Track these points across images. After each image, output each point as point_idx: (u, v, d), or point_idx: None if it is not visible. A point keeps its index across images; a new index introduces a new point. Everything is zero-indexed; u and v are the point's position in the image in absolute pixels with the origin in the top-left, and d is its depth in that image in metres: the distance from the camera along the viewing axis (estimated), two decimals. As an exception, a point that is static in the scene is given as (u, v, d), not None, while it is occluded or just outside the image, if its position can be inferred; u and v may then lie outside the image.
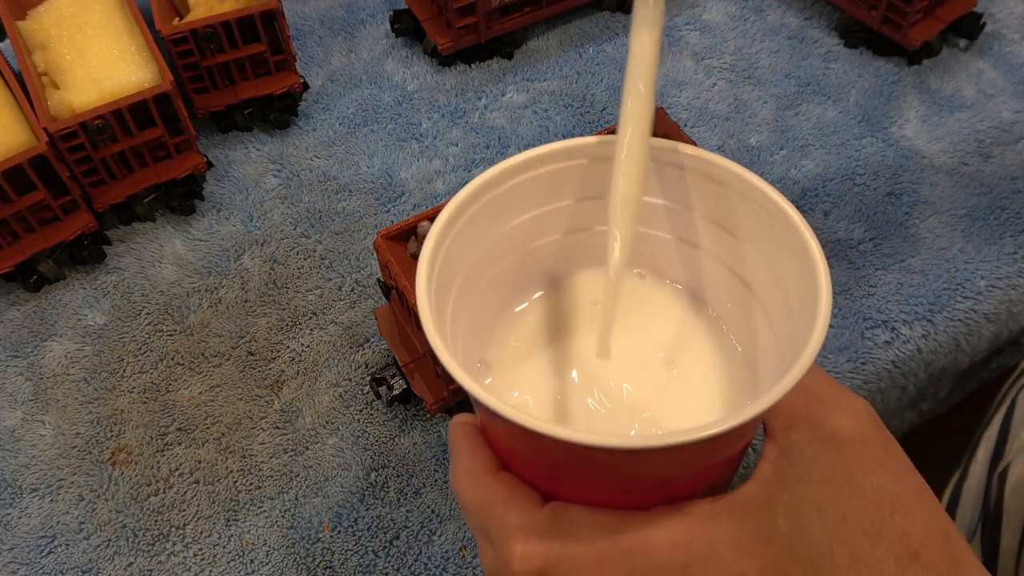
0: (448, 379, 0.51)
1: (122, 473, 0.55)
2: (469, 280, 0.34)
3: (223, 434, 0.56)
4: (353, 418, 0.56)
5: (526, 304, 0.37)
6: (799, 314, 0.30)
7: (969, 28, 0.73)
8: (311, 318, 0.61)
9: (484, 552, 0.31)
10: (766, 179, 0.32)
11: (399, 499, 0.53)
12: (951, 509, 0.56)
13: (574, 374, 0.35)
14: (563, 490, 0.30)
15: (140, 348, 0.60)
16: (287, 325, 0.61)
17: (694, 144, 0.56)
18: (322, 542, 0.52)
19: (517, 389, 0.35)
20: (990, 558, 0.50)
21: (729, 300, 0.35)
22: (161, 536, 0.52)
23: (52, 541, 0.52)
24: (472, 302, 0.34)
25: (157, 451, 0.55)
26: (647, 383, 0.34)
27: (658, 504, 0.29)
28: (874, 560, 0.27)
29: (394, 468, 0.54)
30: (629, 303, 0.37)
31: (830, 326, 0.59)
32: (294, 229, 0.65)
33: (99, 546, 0.52)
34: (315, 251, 0.64)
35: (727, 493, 0.29)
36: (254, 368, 0.59)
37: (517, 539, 0.28)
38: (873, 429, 0.30)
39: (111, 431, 0.56)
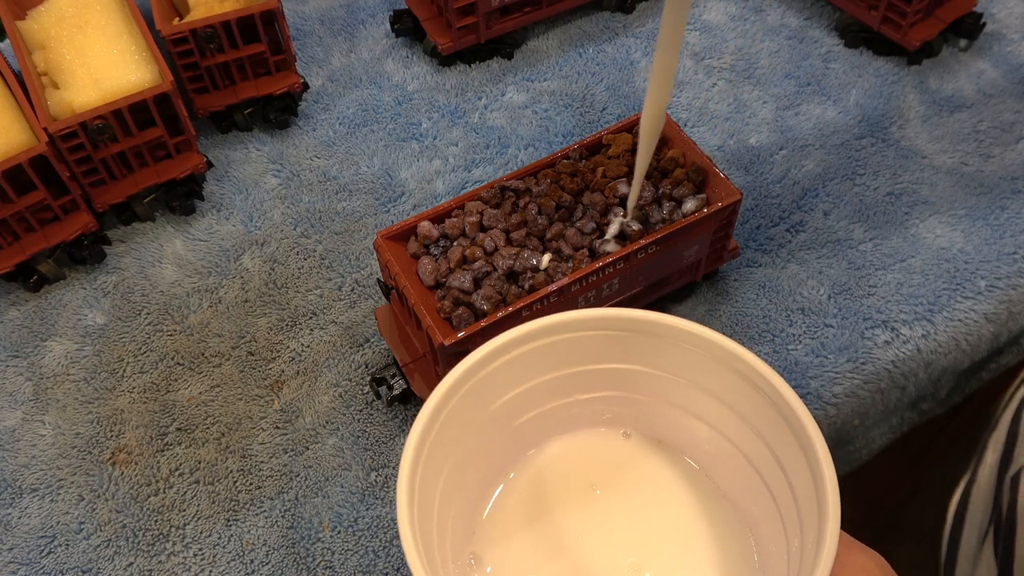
0: (450, 366, 0.51)
1: (122, 473, 0.55)
2: (456, 469, 0.34)
3: (223, 434, 0.56)
4: (353, 418, 0.56)
5: (511, 479, 0.37)
6: (805, 511, 0.30)
7: (969, 28, 0.73)
8: (311, 318, 0.61)
9: None
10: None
11: (399, 499, 0.53)
12: (960, 512, 0.56)
13: (570, 557, 0.35)
14: None
15: (140, 348, 0.60)
16: (287, 325, 0.61)
17: (695, 144, 0.56)
18: (322, 542, 0.52)
19: (508, 566, 0.34)
20: (1005, 564, 0.50)
21: (732, 473, 0.35)
22: (161, 536, 0.52)
23: (52, 541, 0.52)
24: (459, 492, 0.34)
25: (157, 451, 0.55)
26: (652, 561, 0.34)
27: None
28: None
29: (394, 468, 0.54)
30: (623, 468, 0.37)
31: (829, 326, 0.59)
32: (294, 229, 0.65)
33: (99, 546, 0.52)
34: (315, 251, 0.64)
35: None
36: (254, 368, 0.59)
37: None
38: None
39: (111, 431, 0.56)
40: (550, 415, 0.37)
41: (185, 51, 0.65)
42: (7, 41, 0.72)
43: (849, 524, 0.30)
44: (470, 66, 0.75)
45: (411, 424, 0.55)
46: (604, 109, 0.72)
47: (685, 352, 0.34)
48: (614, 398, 0.37)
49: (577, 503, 0.36)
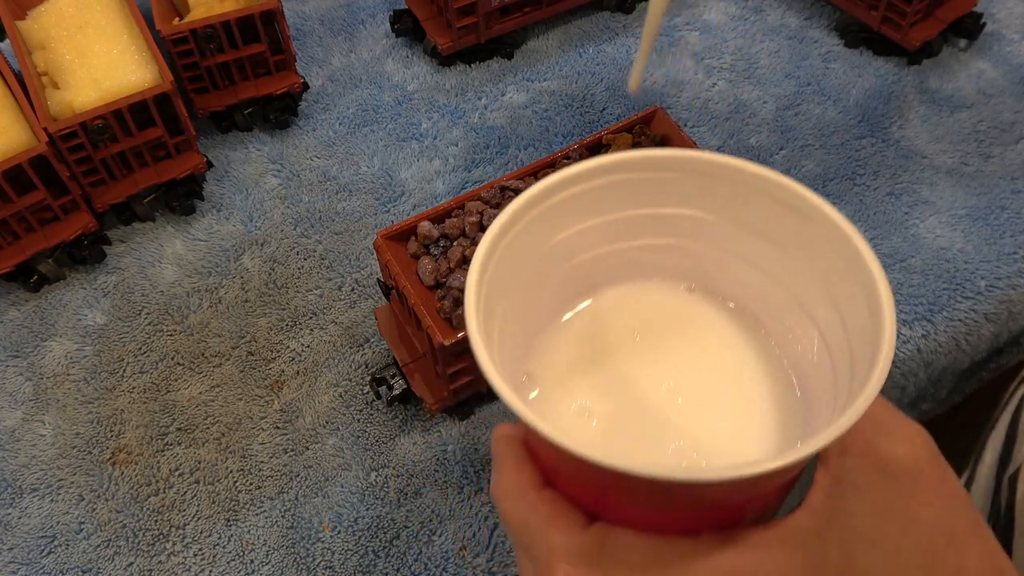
0: (450, 366, 0.51)
1: (122, 473, 0.55)
2: (516, 293, 0.34)
3: (223, 434, 0.56)
4: (353, 418, 0.56)
5: (569, 316, 0.37)
6: (857, 342, 0.29)
7: (969, 28, 0.73)
8: (311, 318, 0.61)
9: (524, 568, 0.31)
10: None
11: (399, 499, 0.53)
12: None
13: (620, 391, 0.35)
14: (608, 511, 0.29)
15: (140, 348, 0.60)
16: (287, 325, 0.61)
17: (695, 145, 0.56)
18: (322, 542, 0.52)
19: (563, 403, 0.34)
20: None
21: (783, 320, 0.35)
22: (161, 536, 0.52)
23: (52, 541, 0.52)
24: (517, 315, 0.34)
25: (157, 451, 0.55)
26: (696, 403, 0.34)
27: (705, 528, 0.28)
28: None
29: (394, 468, 0.54)
30: (680, 319, 0.37)
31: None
32: (294, 229, 0.65)
33: (99, 546, 0.52)
34: (315, 251, 0.64)
35: (777, 521, 0.28)
36: (254, 368, 0.59)
37: (561, 560, 0.28)
38: (930, 459, 0.29)
39: (111, 431, 0.56)
40: (607, 259, 0.37)
41: (185, 51, 0.65)
42: (7, 41, 0.72)
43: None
44: (470, 66, 0.75)
45: (411, 424, 0.56)
46: (604, 109, 0.72)
47: (738, 191, 0.33)
48: (671, 247, 0.36)
49: (627, 344, 0.36)
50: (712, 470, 0.24)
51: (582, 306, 0.38)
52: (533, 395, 0.35)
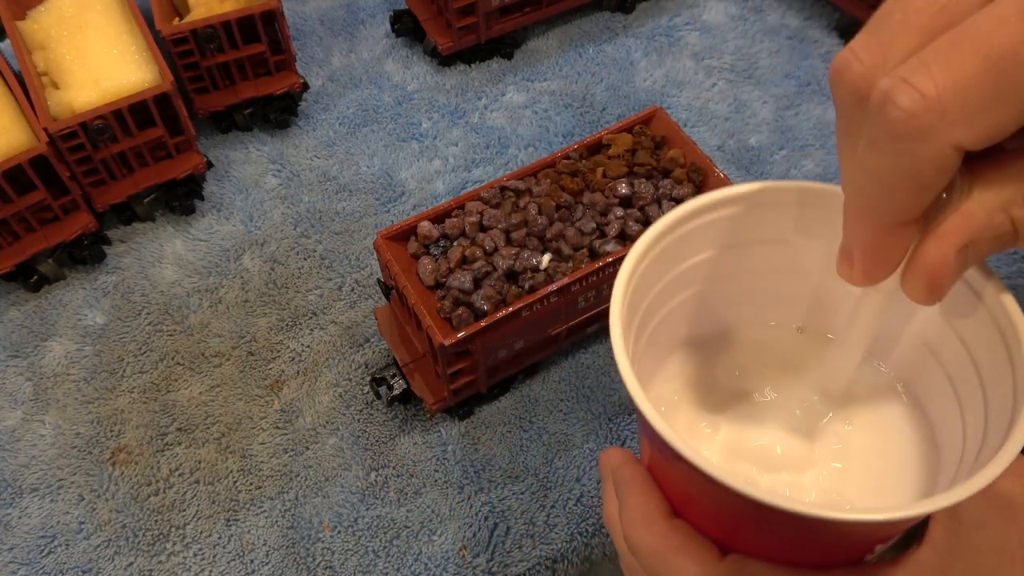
0: (450, 366, 0.51)
1: (122, 473, 0.55)
2: (649, 312, 0.33)
3: (223, 434, 0.56)
4: (353, 418, 0.56)
5: (696, 346, 0.37)
6: (991, 389, 0.29)
7: (969, 28, 0.73)
8: (311, 318, 0.61)
9: None
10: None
11: (399, 499, 0.53)
12: None
13: (750, 424, 0.34)
14: (740, 543, 0.29)
15: (140, 348, 0.60)
16: (287, 325, 0.61)
17: (694, 144, 0.56)
18: (322, 542, 0.52)
19: (688, 431, 0.34)
20: None
21: (911, 363, 0.34)
22: (161, 536, 0.52)
23: (52, 541, 0.52)
24: (647, 335, 0.34)
25: (157, 451, 0.55)
26: (830, 442, 0.34)
27: (834, 562, 0.28)
28: None
29: (394, 468, 0.54)
30: (806, 361, 0.36)
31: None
32: (294, 229, 0.65)
33: (99, 546, 0.52)
34: (315, 251, 0.64)
35: (903, 556, 0.28)
36: (254, 368, 0.59)
37: None
38: None
39: (111, 431, 0.56)
40: (737, 290, 0.36)
41: (185, 51, 0.65)
42: (7, 41, 0.72)
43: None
44: (470, 66, 0.75)
45: (411, 424, 0.56)
46: (604, 109, 0.72)
47: None
48: (792, 281, 0.36)
49: (755, 378, 0.35)
50: (863, 511, 0.24)
51: (707, 338, 0.37)
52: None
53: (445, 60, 0.75)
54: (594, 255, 0.52)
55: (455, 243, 0.53)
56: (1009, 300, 0.29)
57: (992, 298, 0.29)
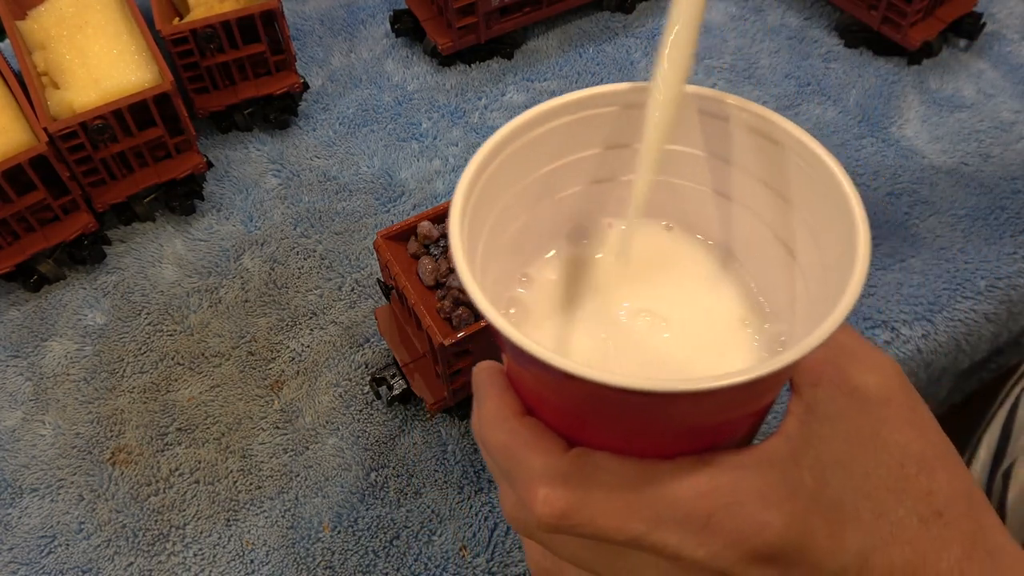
0: (450, 366, 0.51)
1: (122, 473, 0.55)
2: (498, 225, 0.34)
3: (223, 434, 0.56)
4: (353, 418, 0.56)
5: (553, 253, 0.37)
6: (834, 276, 0.29)
7: (969, 28, 0.73)
8: (311, 318, 0.61)
9: (505, 496, 0.31)
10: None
11: (399, 499, 0.53)
12: None
13: (602, 323, 0.35)
14: (588, 436, 0.30)
15: (140, 348, 0.60)
16: (287, 325, 0.61)
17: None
18: (322, 542, 0.52)
19: (545, 336, 0.34)
20: None
21: (763, 259, 0.35)
22: (161, 536, 0.52)
23: (52, 541, 0.52)
24: (500, 248, 0.34)
25: (157, 451, 0.55)
26: (675, 336, 0.34)
27: (682, 454, 0.28)
28: (897, 517, 0.27)
29: (394, 468, 0.54)
30: (656, 255, 0.37)
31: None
32: (294, 229, 0.65)
33: (99, 546, 0.52)
34: (315, 251, 0.64)
35: (752, 446, 0.29)
36: (254, 368, 0.59)
37: (541, 483, 0.28)
38: (901, 388, 0.30)
39: (111, 431, 0.56)
40: (593, 195, 0.37)
41: (185, 51, 0.65)
42: (7, 41, 0.72)
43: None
44: (470, 66, 0.75)
45: (411, 424, 0.56)
46: (604, 109, 0.72)
47: (718, 124, 0.33)
48: (655, 183, 0.36)
49: (611, 280, 0.36)
50: (688, 380, 0.24)
51: (563, 244, 0.37)
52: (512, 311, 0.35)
53: (445, 60, 0.75)
54: (594, 255, 0.52)
55: (455, 243, 0.53)
56: (808, 138, 0.30)
57: (794, 143, 0.31)
